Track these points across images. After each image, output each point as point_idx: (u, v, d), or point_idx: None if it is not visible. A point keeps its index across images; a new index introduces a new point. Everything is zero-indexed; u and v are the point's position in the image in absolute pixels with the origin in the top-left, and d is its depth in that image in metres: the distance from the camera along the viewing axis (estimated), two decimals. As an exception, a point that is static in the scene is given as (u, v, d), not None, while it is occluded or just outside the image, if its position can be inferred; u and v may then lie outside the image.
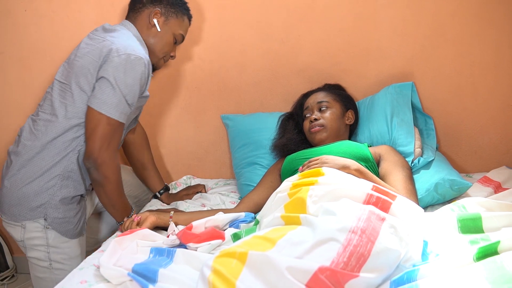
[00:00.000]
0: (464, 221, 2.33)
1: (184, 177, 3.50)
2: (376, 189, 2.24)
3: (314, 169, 2.44)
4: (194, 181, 3.48)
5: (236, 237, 2.40)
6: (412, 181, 2.70)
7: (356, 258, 1.87)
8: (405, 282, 1.98)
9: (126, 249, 2.29)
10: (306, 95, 3.15)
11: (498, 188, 2.85)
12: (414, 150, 2.94)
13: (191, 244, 2.32)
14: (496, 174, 2.99)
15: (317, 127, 2.92)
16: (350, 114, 3.05)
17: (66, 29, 3.38)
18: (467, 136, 3.25)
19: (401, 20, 3.16)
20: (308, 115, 3.02)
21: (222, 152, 3.53)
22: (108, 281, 2.10)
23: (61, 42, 3.40)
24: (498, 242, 2.05)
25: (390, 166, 2.74)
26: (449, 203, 2.65)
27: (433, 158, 2.93)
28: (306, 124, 3.00)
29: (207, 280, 1.78)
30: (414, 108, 3.15)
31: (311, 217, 2.10)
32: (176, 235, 2.39)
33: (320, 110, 2.98)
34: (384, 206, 2.16)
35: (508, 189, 2.74)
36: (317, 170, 2.41)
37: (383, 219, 2.05)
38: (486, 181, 2.94)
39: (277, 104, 3.37)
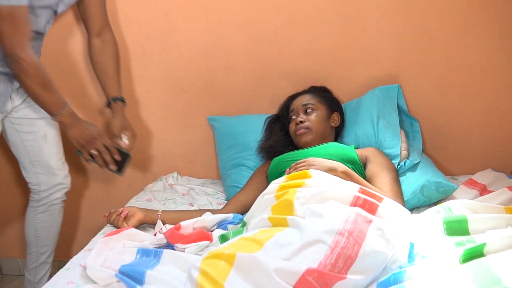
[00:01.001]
0: (450, 223, 2.34)
1: (172, 174, 3.50)
2: (363, 191, 2.26)
3: (301, 171, 2.45)
4: (181, 179, 3.48)
5: (223, 238, 2.41)
6: (398, 183, 2.72)
7: (343, 260, 1.88)
8: (391, 283, 1.99)
9: (113, 249, 2.29)
10: (292, 98, 3.16)
11: (483, 190, 2.87)
12: (400, 152, 2.96)
13: (178, 245, 2.32)
14: (481, 177, 3.01)
15: (303, 130, 2.93)
16: (335, 116, 3.06)
17: (53, 31, 3.37)
18: (453, 138, 3.27)
19: (388, 23, 3.18)
20: (294, 117, 3.03)
21: (209, 153, 3.53)
22: (95, 282, 2.10)
23: (49, 44, 3.39)
24: (484, 244, 2.07)
25: (377, 168, 2.76)
26: (435, 205, 2.65)
27: (419, 160, 2.95)
28: (292, 126, 3.01)
29: (195, 281, 1.79)
30: (400, 110, 3.17)
31: (298, 219, 2.11)
32: (164, 234, 2.39)
33: (305, 113, 2.99)
34: (371, 208, 2.17)
35: (493, 191, 2.76)
36: (304, 172, 2.42)
37: (370, 221, 2.06)
38: (472, 183, 2.96)
39: (264, 106, 3.38)
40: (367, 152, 2.89)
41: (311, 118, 2.95)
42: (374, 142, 3.04)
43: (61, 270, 2.22)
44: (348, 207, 2.12)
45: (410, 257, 2.18)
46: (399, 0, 3.14)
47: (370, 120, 3.08)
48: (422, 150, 3.13)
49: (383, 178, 2.68)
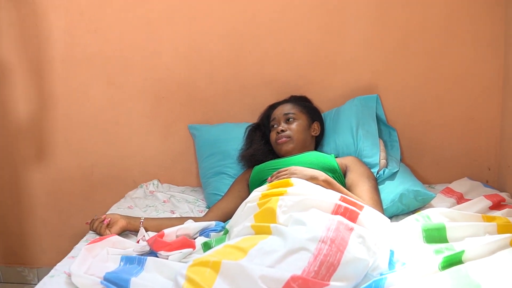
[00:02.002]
0: (428, 231, 2.38)
1: (152, 181, 3.50)
2: (343, 200, 2.29)
3: (283, 180, 2.48)
4: (161, 187, 3.49)
5: (206, 246, 2.42)
6: (377, 191, 2.76)
7: (326, 267, 1.92)
8: None
9: (97, 257, 2.29)
10: (272, 107, 3.18)
11: (460, 199, 2.92)
12: (379, 161, 3.00)
13: (162, 252, 2.33)
14: (458, 185, 3.06)
15: (284, 139, 2.97)
16: (316, 125, 3.10)
17: (34, 38, 3.39)
18: (430, 148, 3.33)
19: (367, 34, 3.24)
20: (275, 126, 3.06)
21: (189, 162, 3.54)
22: None
23: (29, 51, 3.40)
24: (463, 251, 2.11)
25: (357, 177, 2.79)
26: (413, 213, 2.70)
27: (398, 169, 3.01)
28: (273, 135, 3.03)
29: None
30: (378, 120, 3.21)
31: (281, 226, 2.13)
32: (147, 241, 2.41)
33: (286, 122, 3.02)
34: (352, 216, 2.20)
35: (470, 200, 2.81)
36: (286, 180, 2.44)
37: (351, 229, 2.09)
38: (449, 192, 3.01)
39: (245, 114, 3.40)
40: (347, 161, 2.92)
41: (292, 127, 2.98)
42: (354, 151, 3.08)
43: (46, 277, 2.21)
44: (330, 215, 2.15)
45: (391, 264, 2.21)
46: (379, 11, 3.21)
47: (349, 129, 3.13)
48: (400, 159, 3.18)
49: (362, 187, 2.72)
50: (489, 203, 2.70)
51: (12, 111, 3.48)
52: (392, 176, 2.98)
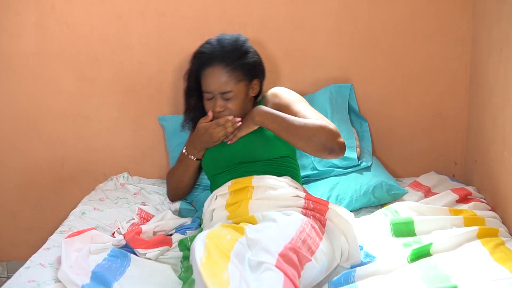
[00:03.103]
0: (397, 225, 2.44)
1: (122, 174, 3.50)
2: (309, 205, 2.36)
3: (243, 209, 2.43)
4: (131, 179, 3.49)
5: (182, 243, 2.44)
6: (313, 109, 2.71)
7: (306, 247, 2.07)
8: (343, 283, 2.08)
9: (80, 253, 2.28)
10: (201, 65, 2.72)
11: (428, 192, 2.98)
12: (355, 148, 3.06)
13: (140, 250, 2.35)
14: (425, 179, 3.13)
15: (222, 130, 2.66)
16: (255, 84, 2.74)
17: (5, 31, 3.37)
18: (398, 142, 3.40)
19: (335, 29, 3.29)
20: (210, 98, 2.69)
21: (159, 155, 3.54)
22: (57, 281, 2.13)
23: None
24: (430, 244, 2.17)
25: (294, 106, 2.67)
26: (382, 207, 2.76)
27: (372, 162, 3.06)
28: (209, 108, 2.70)
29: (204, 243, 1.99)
30: (350, 110, 3.29)
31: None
32: (124, 236, 2.43)
33: (224, 99, 2.65)
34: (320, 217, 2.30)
35: (437, 193, 2.88)
36: (245, 210, 2.42)
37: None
38: (417, 185, 3.07)
39: (215, 108, 3.42)
40: (278, 99, 2.74)
41: (230, 107, 2.65)
42: None
43: (21, 268, 2.24)
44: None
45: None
46: (346, 8, 3.26)
47: (324, 113, 3.12)
48: (371, 152, 3.25)
49: (305, 111, 2.63)
50: (456, 196, 2.77)
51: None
52: (367, 168, 3.04)
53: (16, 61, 3.39)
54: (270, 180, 2.49)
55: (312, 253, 2.08)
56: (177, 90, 3.39)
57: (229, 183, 2.55)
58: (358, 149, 3.08)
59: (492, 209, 2.70)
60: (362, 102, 3.34)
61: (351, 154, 3.03)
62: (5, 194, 3.54)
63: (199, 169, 2.89)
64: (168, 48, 3.36)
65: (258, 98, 2.83)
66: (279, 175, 2.57)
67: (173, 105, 3.44)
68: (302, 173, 2.98)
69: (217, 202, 2.53)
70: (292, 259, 1.94)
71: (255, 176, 2.52)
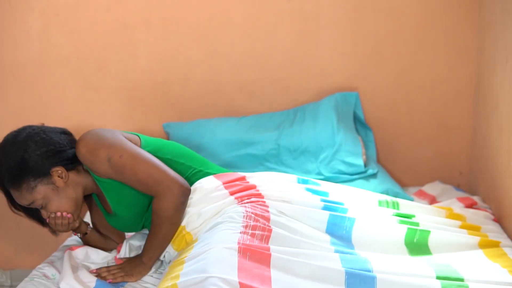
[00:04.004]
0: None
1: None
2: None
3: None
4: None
5: None
6: (132, 169, 2.21)
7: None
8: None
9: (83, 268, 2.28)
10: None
11: (433, 201, 2.99)
12: (361, 155, 3.05)
13: None
14: (430, 188, 3.14)
15: (61, 227, 2.31)
16: (55, 173, 2.23)
17: (10, 39, 3.37)
18: (402, 151, 3.40)
19: (341, 40, 3.29)
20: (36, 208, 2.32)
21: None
22: None
23: (3, 52, 3.39)
24: (429, 232, 2.26)
25: (112, 177, 2.26)
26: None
27: (377, 170, 3.06)
28: (47, 220, 2.33)
29: None
30: (356, 118, 3.30)
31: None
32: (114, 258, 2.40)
33: (38, 207, 2.28)
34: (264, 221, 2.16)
35: (441, 202, 2.91)
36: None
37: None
38: (422, 194, 3.08)
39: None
40: (91, 166, 2.23)
41: (51, 209, 2.26)
42: (331, 144, 3.09)
43: (26, 279, 2.24)
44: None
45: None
46: (352, 18, 3.27)
47: (329, 121, 3.14)
48: (376, 160, 3.24)
49: (136, 184, 2.24)
50: (461, 205, 2.77)
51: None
52: (373, 175, 3.03)
53: (21, 69, 3.39)
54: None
55: (268, 238, 2.05)
56: (182, 100, 3.40)
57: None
58: (364, 156, 3.07)
59: (496, 220, 2.70)
60: (367, 111, 3.34)
61: (357, 160, 3.02)
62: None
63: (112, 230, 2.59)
64: (173, 57, 3.37)
65: (79, 164, 2.31)
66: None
67: (178, 114, 3.44)
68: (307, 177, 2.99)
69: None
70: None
71: None
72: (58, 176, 2.22)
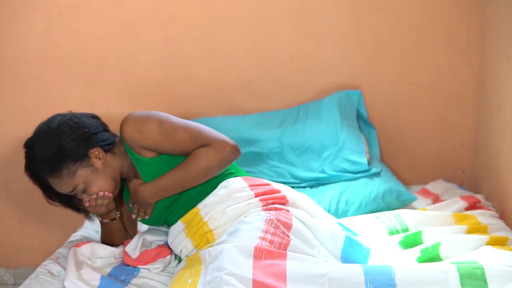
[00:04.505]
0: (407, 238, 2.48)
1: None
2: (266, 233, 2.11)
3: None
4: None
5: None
6: (185, 129, 2.36)
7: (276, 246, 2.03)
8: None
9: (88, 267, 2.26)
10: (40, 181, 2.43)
11: (436, 200, 2.99)
12: (365, 153, 3.06)
13: (140, 266, 2.32)
14: (433, 187, 3.13)
15: (101, 208, 2.36)
16: (93, 154, 2.32)
17: (12, 38, 3.37)
18: (405, 150, 3.40)
19: (343, 39, 3.29)
20: (75, 195, 2.40)
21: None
22: None
23: (6, 51, 3.39)
24: (439, 244, 2.23)
25: (166, 143, 2.34)
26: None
27: (381, 168, 3.06)
28: (86, 203, 2.37)
29: None
30: (359, 116, 3.30)
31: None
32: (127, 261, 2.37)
33: (80, 192, 2.33)
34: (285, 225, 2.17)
35: (444, 200, 2.91)
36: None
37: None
38: (425, 193, 3.08)
39: (222, 117, 3.43)
40: (143, 140, 2.33)
41: (91, 191, 2.32)
42: (335, 142, 3.09)
43: (31, 276, 2.23)
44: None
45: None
46: (355, 16, 3.27)
47: (332, 118, 3.15)
48: (379, 159, 3.24)
49: (179, 143, 2.33)
50: (465, 204, 2.76)
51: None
52: (376, 173, 3.03)
53: (23, 68, 3.39)
54: (211, 198, 2.31)
55: (286, 246, 2.04)
56: (184, 97, 3.40)
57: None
58: (367, 154, 3.07)
59: (501, 217, 2.69)
60: (369, 109, 3.34)
61: (361, 159, 3.03)
62: (12, 201, 3.53)
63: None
64: (175, 56, 3.36)
65: (115, 146, 2.44)
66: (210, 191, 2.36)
67: (180, 111, 3.42)
68: (310, 176, 3.02)
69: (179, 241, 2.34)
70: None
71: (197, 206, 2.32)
72: (96, 158, 2.30)
